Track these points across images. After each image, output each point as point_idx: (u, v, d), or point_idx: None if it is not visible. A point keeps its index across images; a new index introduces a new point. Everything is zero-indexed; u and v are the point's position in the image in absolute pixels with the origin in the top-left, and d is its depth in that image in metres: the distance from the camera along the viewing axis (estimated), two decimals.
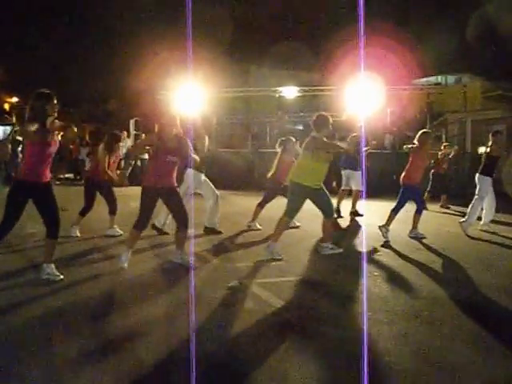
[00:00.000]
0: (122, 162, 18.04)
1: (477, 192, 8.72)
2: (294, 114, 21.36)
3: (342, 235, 8.00)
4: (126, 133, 19.58)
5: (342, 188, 10.54)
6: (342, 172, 10.45)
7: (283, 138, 9.06)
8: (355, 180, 10.22)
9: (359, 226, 9.33)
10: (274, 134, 20.02)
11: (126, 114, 22.67)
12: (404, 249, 7.17)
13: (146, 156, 19.81)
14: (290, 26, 32.04)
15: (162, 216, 7.82)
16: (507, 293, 5.14)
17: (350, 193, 10.55)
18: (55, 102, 5.06)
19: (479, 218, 8.91)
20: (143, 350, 3.59)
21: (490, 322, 4.32)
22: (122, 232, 7.79)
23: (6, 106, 38.45)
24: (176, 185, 6.04)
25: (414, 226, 8.05)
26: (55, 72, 32.15)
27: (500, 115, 17.24)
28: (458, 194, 13.26)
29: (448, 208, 12.09)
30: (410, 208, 8.07)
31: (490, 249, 7.46)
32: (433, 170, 12.75)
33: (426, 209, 11.45)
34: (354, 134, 9.07)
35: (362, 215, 10.15)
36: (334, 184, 10.96)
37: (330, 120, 6.57)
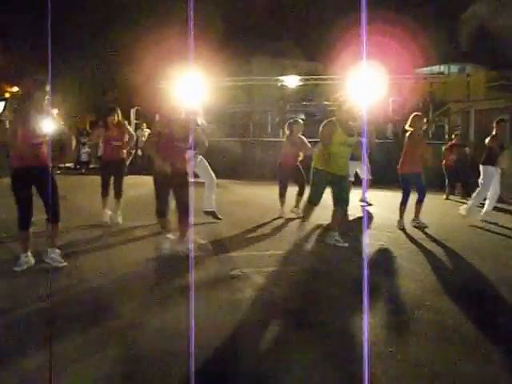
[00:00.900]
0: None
1: (480, 181, 8.68)
2: (295, 103, 21.27)
3: (349, 227, 7.93)
4: (127, 122, 19.54)
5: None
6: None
7: (291, 121, 9.01)
8: (361, 169, 10.17)
9: (368, 215, 9.25)
10: (275, 123, 19.96)
11: (126, 104, 22.59)
12: (407, 239, 7.12)
13: None
14: (291, 15, 31.85)
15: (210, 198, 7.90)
16: (509, 283, 5.09)
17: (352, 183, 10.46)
18: (46, 89, 5.07)
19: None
20: (143, 338, 3.56)
21: (492, 312, 4.29)
22: (121, 221, 7.77)
23: (7, 96, 38.42)
24: (187, 171, 6.03)
25: (416, 216, 8.00)
26: (57, 63, 32.06)
27: (503, 105, 17.13)
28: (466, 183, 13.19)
29: (449, 199, 12.06)
30: (415, 198, 8.00)
31: (493, 239, 7.41)
32: (444, 162, 12.68)
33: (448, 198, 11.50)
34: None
35: (371, 204, 10.07)
36: None
37: (353, 105, 6.46)
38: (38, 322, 3.88)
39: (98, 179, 8.09)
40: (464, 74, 22.00)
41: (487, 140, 8.81)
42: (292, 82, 18.84)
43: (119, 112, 8.08)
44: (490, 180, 8.58)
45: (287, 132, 8.82)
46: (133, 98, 23.60)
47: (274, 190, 8.79)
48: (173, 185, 5.92)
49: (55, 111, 5.25)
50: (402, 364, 3.22)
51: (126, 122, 8.63)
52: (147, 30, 26.57)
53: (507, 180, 9.81)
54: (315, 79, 19.47)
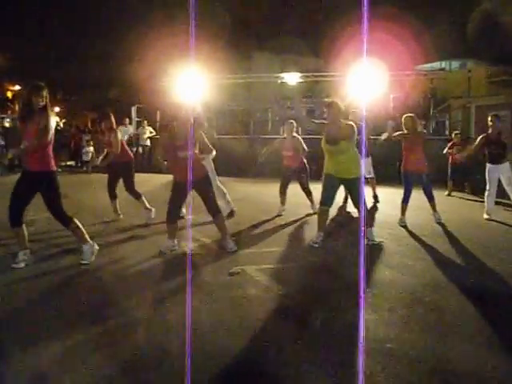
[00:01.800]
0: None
1: (487, 179, 8.68)
2: (296, 99, 21.24)
3: (350, 225, 7.93)
4: (128, 119, 19.57)
5: None
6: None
7: (290, 121, 9.04)
8: (365, 168, 10.17)
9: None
10: (275, 121, 19.95)
11: (127, 101, 22.60)
12: (408, 234, 7.13)
13: (148, 143, 19.86)
14: (291, 11, 31.77)
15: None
16: (510, 279, 5.10)
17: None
18: (44, 92, 5.11)
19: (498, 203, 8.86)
20: (144, 335, 3.59)
21: (493, 309, 4.29)
22: (121, 216, 7.83)
23: (9, 94, 38.46)
24: (206, 175, 6.12)
25: (434, 210, 8.07)
26: (57, 60, 32.08)
27: (504, 101, 17.10)
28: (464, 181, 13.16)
29: (451, 196, 12.03)
30: (416, 195, 8.00)
31: (494, 234, 7.40)
32: (450, 159, 12.66)
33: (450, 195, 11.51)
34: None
35: (378, 201, 10.08)
36: None
37: (339, 107, 6.36)
38: (41, 319, 3.90)
39: (99, 177, 8.12)
40: (465, 69, 21.97)
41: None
42: (293, 78, 18.81)
43: (112, 119, 8.06)
44: (491, 177, 8.58)
45: (285, 135, 8.83)
46: (134, 96, 23.62)
47: (274, 188, 8.81)
48: (197, 191, 6.07)
49: (56, 109, 5.26)
50: (402, 360, 3.23)
51: (127, 120, 8.67)
52: (148, 28, 26.56)
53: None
54: (316, 76, 19.44)
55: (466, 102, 17.65)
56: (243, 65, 24.53)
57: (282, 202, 8.75)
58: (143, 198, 8.05)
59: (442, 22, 25.90)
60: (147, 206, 7.98)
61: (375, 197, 10.19)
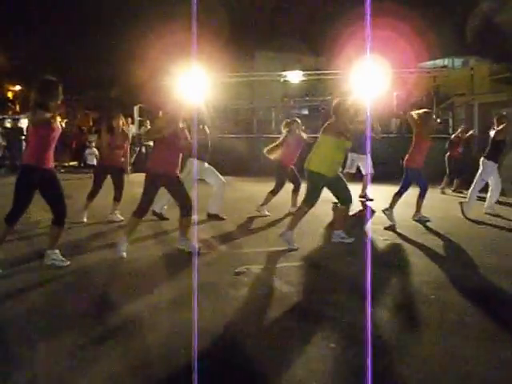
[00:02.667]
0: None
1: (478, 175, 8.67)
2: (299, 98, 21.23)
3: (353, 222, 7.89)
4: (130, 119, 19.55)
5: (346, 170, 10.31)
6: (349, 155, 10.30)
7: (288, 120, 9.01)
8: (362, 163, 10.13)
9: (370, 211, 9.24)
10: (279, 119, 19.93)
11: (130, 101, 22.59)
12: (410, 233, 7.11)
13: (151, 142, 19.82)
14: (293, 10, 31.73)
15: (162, 201, 7.79)
16: None
17: (354, 176, 10.41)
18: (60, 89, 5.11)
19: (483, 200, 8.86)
20: (148, 337, 3.57)
21: (497, 306, 4.28)
22: (123, 218, 7.79)
23: (10, 95, 38.47)
24: (178, 173, 5.99)
25: (418, 210, 7.98)
26: (58, 60, 32.07)
27: (508, 98, 17.06)
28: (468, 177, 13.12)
29: (461, 192, 11.96)
30: (416, 192, 7.99)
31: (495, 232, 7.39)
32: (448, 154, 12.61)
33: (443, 193, 11.44)
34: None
35: (371, 200, 10.05)
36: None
37: (350, 107, 6.37)
38: (38, 320, 3.88)
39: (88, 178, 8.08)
40: (467, 67, 21.91)
41: (493, 134, 8.77)
42: (295, 77, 18.78)
43: (122, 117, 8.08)
44: (487, 175, 8.58)
45: (284, 131, 8.79)
46: (136, 95, 23.60)
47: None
48: (166, 186, 5.95)
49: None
50: (408, 358, 3.22)
51: (130, 120, 8.67)
52: (150, 27, 26.55)
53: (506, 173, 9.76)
54: (319, 74, 19.41)
55: (469, 100, 17.62)
56: (245, 63, 24.52)
57: (265, 203, 8.75)
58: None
59: (445, 19, 25.85)
60: (116, 209, 8.01)
61: (364, 196, 10.15)
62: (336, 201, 7.38)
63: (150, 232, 7.10)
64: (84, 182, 14.22)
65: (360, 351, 3.25)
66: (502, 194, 8.96)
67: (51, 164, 5.18)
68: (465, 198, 9.67)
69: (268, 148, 8.67)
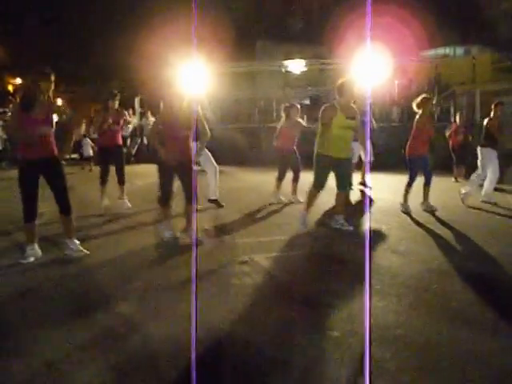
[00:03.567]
0: (128, 140, 18.05)
1: (478, 164, 8.68)
2: (300, 88, 21.16)
3: (352, 210, 7.90)
4: (131, 110, 19.51)
5: None
6: (353, 144, 10.27)
7: (287, 105, 9.01)
8: (364, 152, 10.12)
9: (369, 198, 9.23)
10: (280, 109, 19.89)
11: (130, 92, 22.55)
12: (414, 221, 7.11)
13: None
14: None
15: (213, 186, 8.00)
16: None
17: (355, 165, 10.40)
18: (51, 79, 5.09)
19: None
20: (149, 325, 3.59)
21: (500, 294, 4.28)
22: (130, 205, 7.83)
23: (10, 88, 38.36)
24: (192, 159, 6.02)
25: (425, 198, 7.96)
26: (59, 52, 31.96)
27: (509, 86, 16.98)
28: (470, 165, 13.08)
29: (457, 181, 11.94)
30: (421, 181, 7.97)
31: (498, 220, 7.37)
32: (450, 143, 12.57)
33: (457, 181, 11.41)
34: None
35: (370, 187, 10.04)
36: None
37: (354, 85, 6.41)
38: (48, 310, 3.90)
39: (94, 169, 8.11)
40: (469, 56, 21.80)
41: (485, 122, 8.79)
42: (297, 66, 18.72)
43: (118, 98, 8.10)
44: (486, 162, 8.57)
45: (284, 116, 8.82)
46: (137, 87, 23.56)
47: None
48: (178, 173, 5.95)
49: (60, 101, 5.27)
50: (411, 346, 3.23)
51: (131, 111, 8.68)
52: (151, 17, 26.43)
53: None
54: (320, 64, 19.34)
55: (470, 88, 17.54)
56: (247, 54, 24.43)
57: (276, 191, 8.79)
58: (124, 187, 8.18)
59: (447, 7, 25.70)
60: (124, 196, 8.13)
61: (363, 183, 10.13)
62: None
63: (154, 221, 7.11)
64: (85, 174, 14.25)
65: (362, 339, 3.26)
66: (502, 181, 8.94)
67: (48, 154, 5.16)
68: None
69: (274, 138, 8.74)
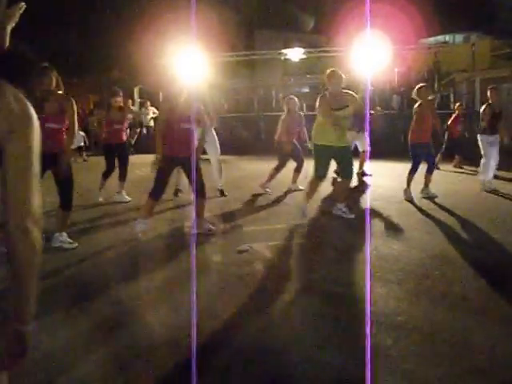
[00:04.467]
0: (128, 131, 17.99)
1: (482, 151, 8.68)
2: (299, 76, 21.10)
3: (353, 198, 7.90)
4: (130, 101, 19.42)
5: None
6: (348, 133, 10.26)
7: (286, 98, 9.02)
8: (361, 141, 10.10)
9: (367, 186, 9.23)
10: (279, 98, 19.84)
11: (129, 82, 22.44)
12: (415, 208, 7.12)
13: (152, 123, 19.79)
14: None
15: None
16: None
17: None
18: (52, 75, 5.08)
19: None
20: (150, 315, 3.60)
21: (502, 280, 4.28)
22: (130, 198, 7.83)
23: None
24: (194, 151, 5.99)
25: (426, 185, 7.97)
26: (56, 44, 31.82)
27: (509, 73, 16.93)
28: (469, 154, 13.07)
29: (461, 168, 11.92)
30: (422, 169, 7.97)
31: (501, 207, 7.37)
32: (447, 133, 12.51)
33: (438, 169, 11.37)
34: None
35: (370, 175, 10.05)
36: None
37: (340, 75, 6.44)
38: (44, 301, 3.91)
39: (97, 161, 8.11)
40: (468, 43, 21.69)
41: (482, 109, 8.77)
42: (296, 54, 18.66)
43: (121, 94, 8.13)
44: (487, 149, 8.56)
45: (285, 109, 8.81)
46: (136, 77, 23.44)
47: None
48: (183, 168, 5.97)
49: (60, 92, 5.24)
50: (413, 333, 3.24)
51: (130, 102, 8.67)
52: (148, 6, 26.27)
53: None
54: (319, 52, 19.27)
55: (470, 76, 17.48)
56: (245, 42, 24.33)
57: (269, 180, 8.77)
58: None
59: None
60: (123, 189, 8.15)
61: (362, 173, 10.12)
62: (335, 175, 7.40)
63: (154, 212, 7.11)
64: (86, 165, 14.24)
65: (363, 326, 3.27)
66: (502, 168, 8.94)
67: (55, 149, 5.19)
68: (466, 173, 9.68)
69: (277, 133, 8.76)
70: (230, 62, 19.02)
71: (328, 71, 6.57)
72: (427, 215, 6.72)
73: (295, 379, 2.80)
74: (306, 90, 20.83)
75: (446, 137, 12.47)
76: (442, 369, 2.84)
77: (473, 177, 8.80)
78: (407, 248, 5.19)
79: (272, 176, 8.69)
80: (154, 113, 18.85)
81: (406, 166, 7.99)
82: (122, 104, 8.14)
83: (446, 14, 24.97)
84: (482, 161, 8.69)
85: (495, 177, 9.04)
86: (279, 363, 2.94)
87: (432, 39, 23.41)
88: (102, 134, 8.22)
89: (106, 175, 8.15)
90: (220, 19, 22.98)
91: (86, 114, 23.13)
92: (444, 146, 12.36)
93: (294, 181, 8.73)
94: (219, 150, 8.27)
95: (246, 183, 9.43)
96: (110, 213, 7.22)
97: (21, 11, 1.57)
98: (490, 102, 8.60)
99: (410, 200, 7.60)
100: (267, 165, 8.84)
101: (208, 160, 8.25)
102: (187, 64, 11.29)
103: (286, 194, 8.45)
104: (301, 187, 8.44)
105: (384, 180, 9.58)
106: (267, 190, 8.59)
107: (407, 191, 7.78)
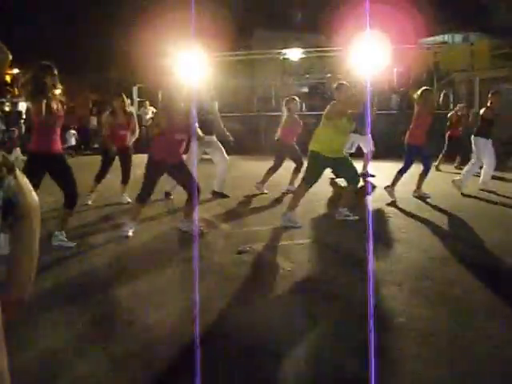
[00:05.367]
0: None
1: (473, 153, 8.67)
2: (299, 76, 21.07)
3: (354, 200, 7.89)
4: (129, 100, 19.38)
5: (346, 151, 10.21)
6: (350, 135, 10.23)
7: (287, 98, 8.99)
8: (363, 143, 10.08)
9: (371, 188, 9.21)
10: (279, 97, 19.82)
11: (128, 81, 22.42)
12: (413, 210, 7.11)
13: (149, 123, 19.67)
14: None
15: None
16: None
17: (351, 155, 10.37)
18: (55, 73, 5.08)
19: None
20: (151, 316, 3.60)
21: (501, 281, 4.30)
22: (130, 200, 7.82)
23: (8, 78, 38.16)
24: (183, 158, 6.00)
25: (418, 187, 7.98)
26: (55, 42, 31.77)
27: (508, 73, 16.92)
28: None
29: (461, 169, 11.87)
30: (417, 169, 7.98)
31: (496, 207, 7.38)
32: (449, 133, 12.48)
33: (438, 170, 11.37)
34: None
35: (374, 176, 10.03)
36: None
37: (348, 87, 6.40)
38: (42, 301, 3.91)
39: (91, 160, 8.06)
40: (468, 43, 21.68)
41: (482, 111, 8.76)
42: (295, 54, 18.65)
43: (125, 98, 8.10)
44: (481, 152, 8.56)
45: (285, 110, 8.77)
46: (135, 76, 23.41)
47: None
48: (173, 174, 6.01)
49: (58, 91, 5.22)
50: (413, 334, 3.24)
51: (129, 102, 8.61)
52: (148, 4, 26.24)
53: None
54: (319, 51, 19.26)
55: (469, 76, 17.48)
56: (245, 42, 24.31)
57: (264, 180, 8.77)
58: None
59: None
60: (125, 192, 8.04)
61: (364, 175, 10.10)
62: (333, 176, 7.36)
63: (152, 213, 7.10)
64: (86, 164, 14.23)
65: (363, 327, 3.27)
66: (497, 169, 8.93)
67: (58, 149, 5.21)
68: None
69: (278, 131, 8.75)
70: (229, 61, 18.99)
71: (336, 84, 6.52)
72: (427, 216, 6.71)
73: (295, 379, 2.80)
74: (305, 89, 20.79)
75: (446, 137, 12.47)
76: (443, 370, 2.84)
77: (472, 177, 8.77)
78: (407, 249, 5.20)
79: (267, 176, 8.68)
80: (152, 112, 18.84)
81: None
82: (126, 108, 8.09)
83: (445, 14, 24.97)
84: (472, 161, 8.70)
85: (493, 177, 9.03)
86: (279, 363, 2.94)
87: (431, 39, 23.38)
88: (106, 138, 8.07)
89: (99, 179, 7.99)
90: (219, 19, 22.96)
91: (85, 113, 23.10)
92: (446, 147, 12.35)
93: (292, 182, 8.71)
94: (227, 157, 8.25)
95: (245, 183, 9.41)
96: (110, 214, 7.20)
97: None
98: (490, 105, 8.59)
99: (392, 198, 7.60)
100: (266, 165, 8.82)
101: (208, 160, 8.24)
102: (186, 63, 11.27)
103: (284, 194, 8.43)
104: (265, 191, 8.50)
105: (382, 181, 9.56)
106: (264, 190, 8.59)
107: (390, 188, 7.77)
